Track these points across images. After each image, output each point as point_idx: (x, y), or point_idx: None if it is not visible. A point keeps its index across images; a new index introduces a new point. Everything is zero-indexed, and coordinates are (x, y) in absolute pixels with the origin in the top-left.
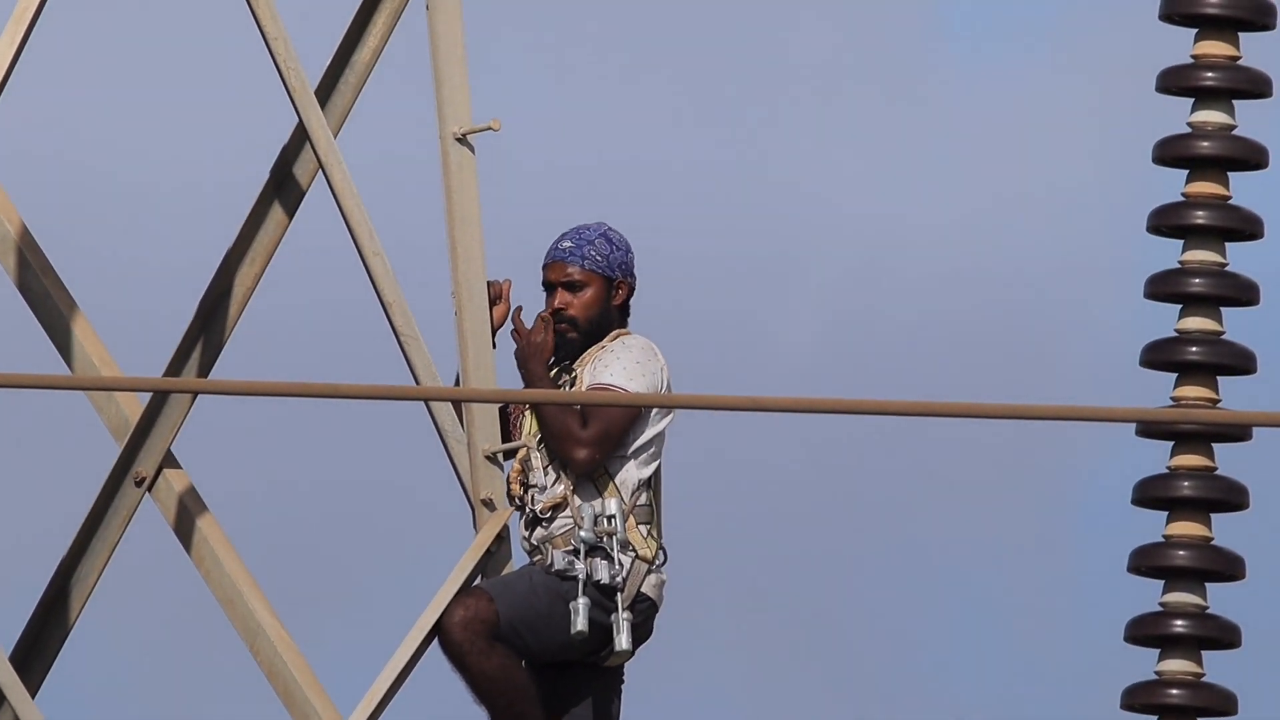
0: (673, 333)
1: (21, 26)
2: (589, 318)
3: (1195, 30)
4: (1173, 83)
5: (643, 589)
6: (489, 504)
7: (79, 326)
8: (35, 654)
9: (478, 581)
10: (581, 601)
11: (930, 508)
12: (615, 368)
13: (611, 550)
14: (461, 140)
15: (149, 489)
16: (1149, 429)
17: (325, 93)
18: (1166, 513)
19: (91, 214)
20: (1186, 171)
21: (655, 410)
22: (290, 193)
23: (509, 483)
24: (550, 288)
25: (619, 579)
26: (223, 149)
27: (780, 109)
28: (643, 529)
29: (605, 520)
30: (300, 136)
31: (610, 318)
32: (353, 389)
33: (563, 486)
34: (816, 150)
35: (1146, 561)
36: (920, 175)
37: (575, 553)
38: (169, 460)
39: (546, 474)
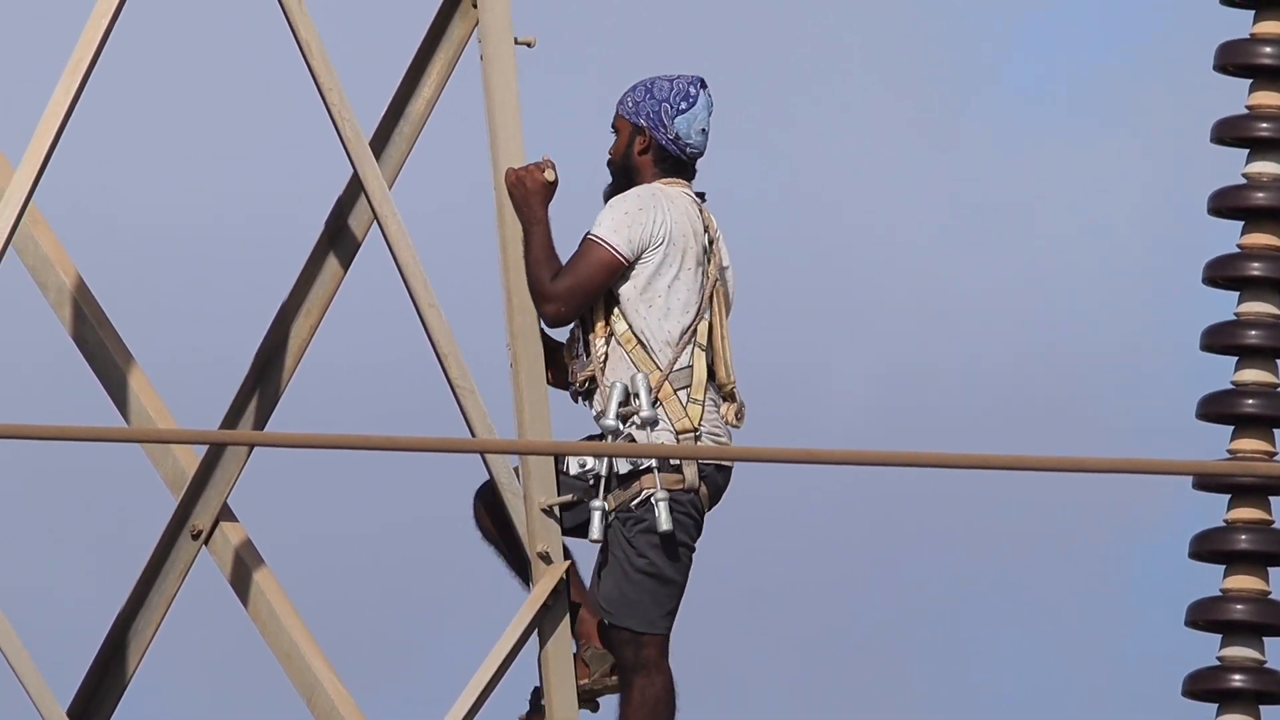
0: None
1: (76, 77)
2: (614, 163)
3: (1250, 80)
4: (1227, 133)
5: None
6: (545, 557)
7: (135, 379)
8: (93, 707)
9: None
10: (595, 505)
11: (986, 562)
12: (604, 216)
13: (636, 431)
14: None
15: (205, 542)
16: (1206, 482)
17: (380, 144)
18: (1224, 566)
19: (147, 266)
20: (1242, 223)
21: (643, 248)
22: (345, 244)
23: (566, 359)
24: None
25: (643, 463)
26: (277, 201)
27: (830, 161)
28: (681, 395)
29: (633, 399)
30: (355, 188)
31: (633, 165)
32: (409, 441)
33: (592, 363)
34: (864, 203)
35: (1204, 615)
36: (973, 227)
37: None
38: (225, 513)
39: (584, 346)
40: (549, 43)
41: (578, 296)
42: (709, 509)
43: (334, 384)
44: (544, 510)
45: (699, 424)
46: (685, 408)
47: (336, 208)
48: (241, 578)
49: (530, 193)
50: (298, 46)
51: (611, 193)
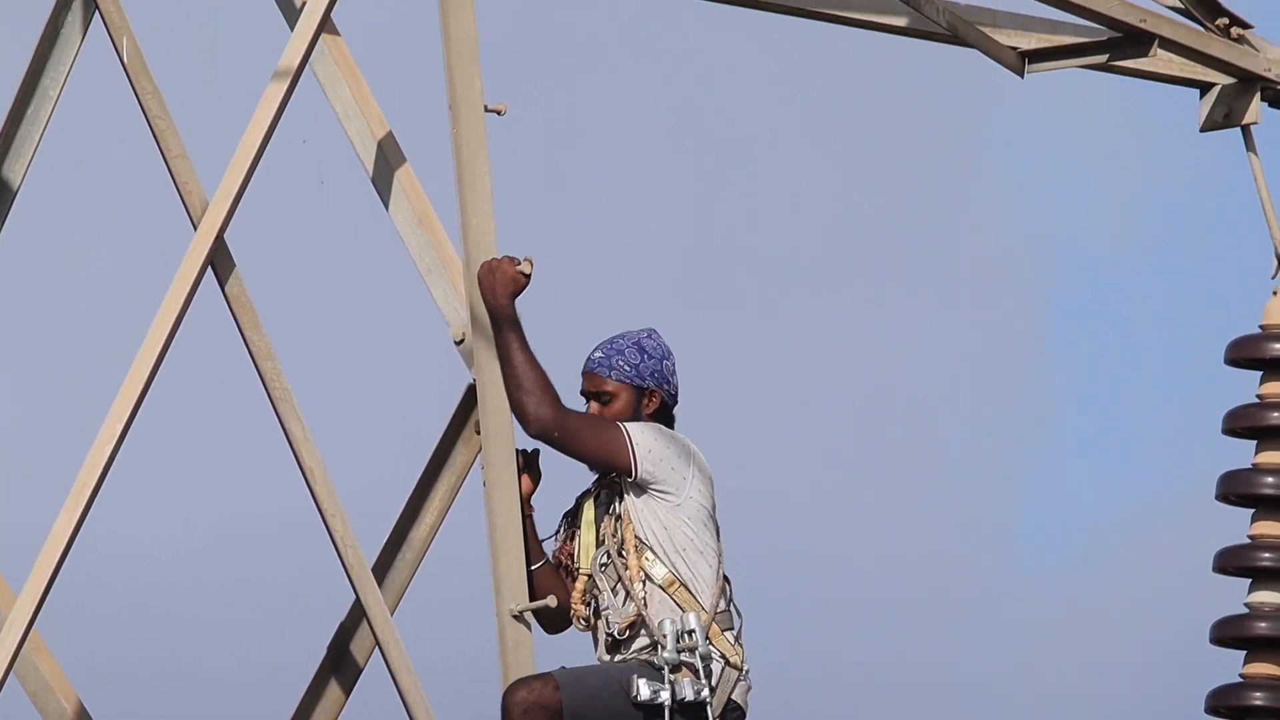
0: None
1: (79, 506)
2: None
3: (1252, 510)
4: (1229, 563)
5: (734, 696)
6: None
7: None
8: None
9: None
10: None
11: None
12: (636, 426)
13: (695, 665)
14: (518, 617)
15: None
16: None
17: (382, 570)
18: None
19: (147, 689)
20: (1244, 652)
21: (654, 478)
22: (347, 670)
23: (573, 603)
24: (586, 398)
25: (704, 693)
26: (279, 630)
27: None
28: (729, 635)
29: (686, 635)
30: (357, 613)
31: None
32: None
33: (634, 605)
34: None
35: None
36: (979, 681)
37: (660, 674)
38: None
39: (615, 594)
40: (550, 481)
41: (569, 439)
42: None
43: None
44: None
45: (743, 665)
46: (734, 645)
47: (339, 633)
48: None
49: (498, 283)
50: (301, 473)
51: (601, 490)
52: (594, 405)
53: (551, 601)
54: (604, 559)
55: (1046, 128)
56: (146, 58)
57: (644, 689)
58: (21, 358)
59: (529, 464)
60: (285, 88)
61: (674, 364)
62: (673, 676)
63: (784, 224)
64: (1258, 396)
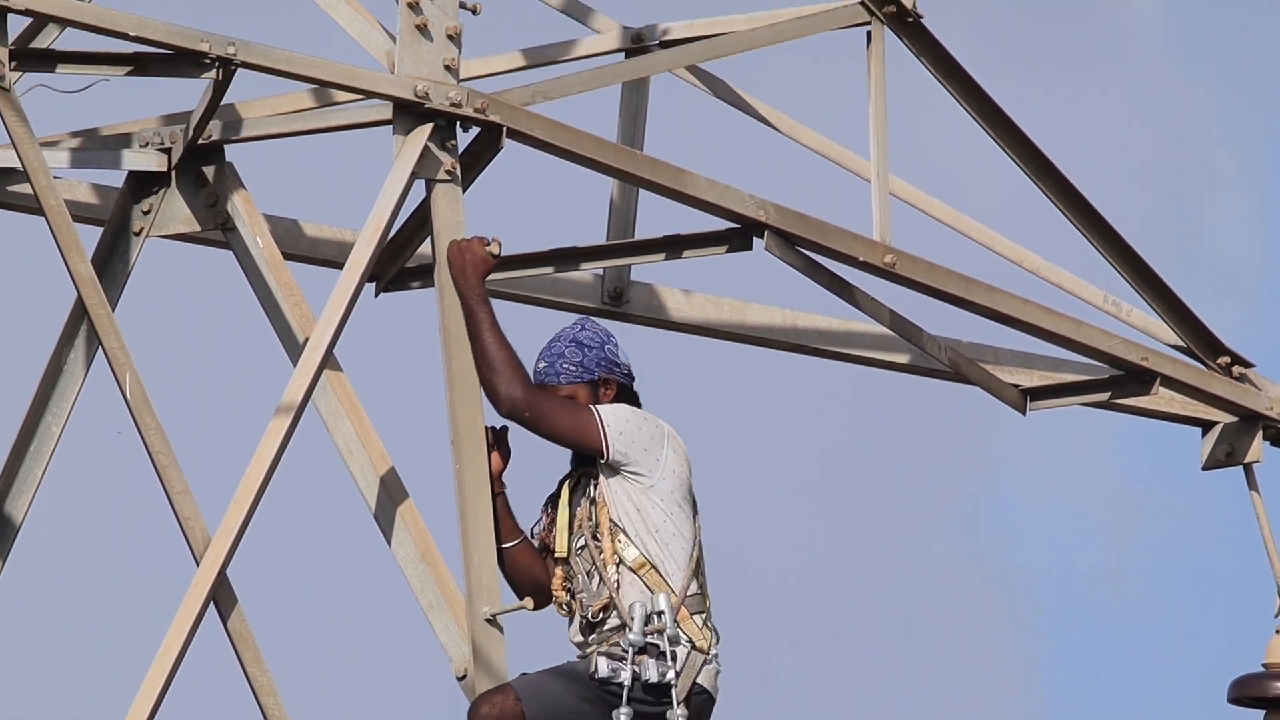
0: None
1: None
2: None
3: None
4: None
5: (699, 680)
6: None
7: None
8: None
9: (511, 678)
10: (623, 712)
11: None
12: (609, 408)
13: (663, 647)
14: (492, 621)
15: None
16: None
17: None
18: None
19: None
20: None
21: (628, 460)
22: None
23: (554, 589)
24: None
25: (669, 675)
26: None
27: None
28: (697, 619)
29: (655, 617)
30: None
31: None
32: None
33: (606, 589)
34: None
35: None
36: None
37: (621, 657)
38: None
39: (590, 578)
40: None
41: (540, 420)
42: None
43: None
44: None
45: (710, 649)
46: (702, 629)
47: None
48: None
49: (469, 264)
50: None
51: (579, 475)
52: None
53: (529, 604)
54: (580, 543)
55: (1047, 464)
56: (149, 393)
57: (603, 666)
58: (21, 700)
59: (498, 440)
60: (288, 423)
61: (616, 344)
62: (638, 659)
63: (773, 549)
64: None
